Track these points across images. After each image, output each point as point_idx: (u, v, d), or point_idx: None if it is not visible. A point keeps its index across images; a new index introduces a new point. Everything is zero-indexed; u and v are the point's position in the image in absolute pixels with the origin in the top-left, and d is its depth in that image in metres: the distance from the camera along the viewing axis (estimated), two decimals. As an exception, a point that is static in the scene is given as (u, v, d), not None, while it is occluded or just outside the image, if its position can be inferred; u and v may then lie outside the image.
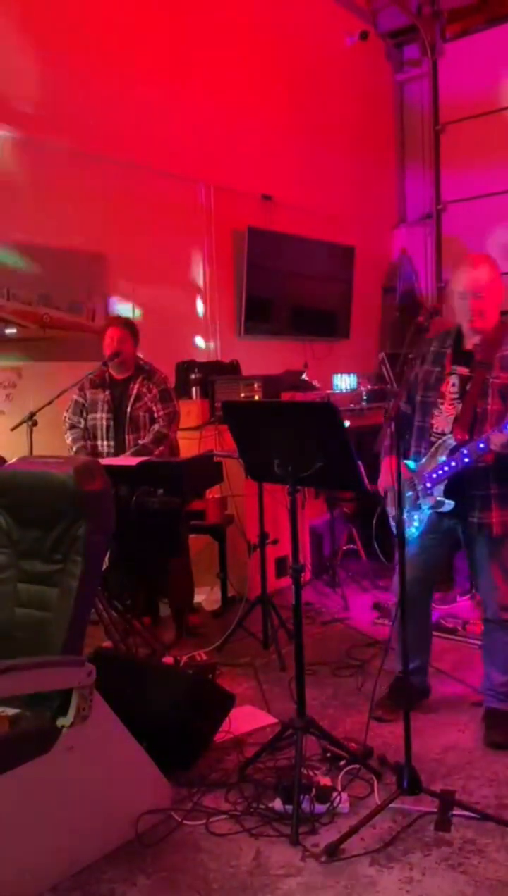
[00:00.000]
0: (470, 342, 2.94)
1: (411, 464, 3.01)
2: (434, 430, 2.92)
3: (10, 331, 4.59)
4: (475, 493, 2.86)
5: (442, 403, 2.92)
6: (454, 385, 2.91)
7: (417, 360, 3.08)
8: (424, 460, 2.94)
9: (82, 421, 4.27)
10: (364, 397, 6.35)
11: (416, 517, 2.98)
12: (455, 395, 2.90)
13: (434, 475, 2.87)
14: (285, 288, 6.62)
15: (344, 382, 6.52)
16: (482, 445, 2.74)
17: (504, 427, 2.69)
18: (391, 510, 3.11)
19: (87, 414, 4.26)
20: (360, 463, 2.73)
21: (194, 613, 4.45)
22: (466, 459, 2.77)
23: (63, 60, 4.85)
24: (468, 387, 2.86)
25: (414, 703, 3.12)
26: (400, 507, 2.54)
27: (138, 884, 2.25)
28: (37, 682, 2.20)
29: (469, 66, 7.47)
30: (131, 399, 4.20)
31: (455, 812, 2.45)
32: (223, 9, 5.99)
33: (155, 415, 4.21)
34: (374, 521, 3.19)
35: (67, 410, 4.29)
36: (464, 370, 2.90)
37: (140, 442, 4.15)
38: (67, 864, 2.27)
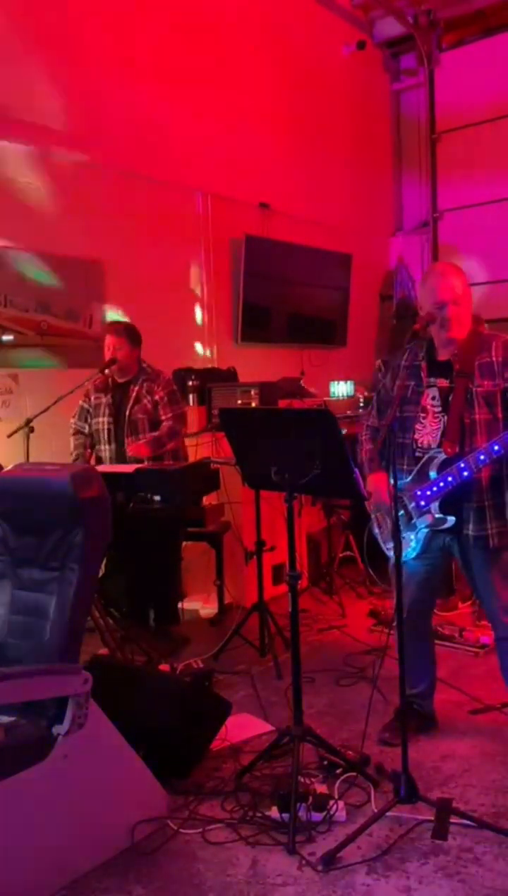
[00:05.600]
0: (445, 353, 2.85)
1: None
2: (419, 445, 2.84)
3: (8, 337, 4.60)
4: (469, 505, 2.78)
5: (425, 418, 2.83)
6: (434, 398, 2.83)
7: (387, 374, 3.02)
8: (410, 478, 2.85)
9: (87, 427, 4.31)
10: (361, 404, 6.36)
11: (412, 537, 2.89)
12: (438, 409, 2.81)
13: (429, 492, 2.79)
14: (283, 295, 6.64)
15: (341, 389, 6.53)
16: (482, 457, 2.66)
17: None
18: (377, 531, 3.06)
19: (91, 419, 4.28)
20: (357, 471, 2.73)
21: (177, 622, 4.37)
22: (465, 473, 2.70)
23: (63, 70, 4.86)
24: (450, 398, 2.78)
25: (421, 729, 3.09)
26: (397, 528, 2.50)
27: (134, 893, 2.23)
28: (32, 690, 2.20)
29: (465, 75, 7.52)
30: (130, 402, 4.22)
31: (452, 820, 2.44)
32: (221, 19, 6.01)
33: (161, 417, 4.22)
34: (364, 540, 3.12)
35: (74, 416, 4.33)
36: (444, 382, 2.82)
37: (153, 434, 4.15)
38: (63, 874, 2.26)
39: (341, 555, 5.38)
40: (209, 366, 5.90)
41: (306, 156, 6.88)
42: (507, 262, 7.23)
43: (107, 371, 4.25)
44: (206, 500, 4.43)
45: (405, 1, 7.34)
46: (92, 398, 4.30)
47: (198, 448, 4.90)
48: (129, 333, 4.27)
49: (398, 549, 2.52)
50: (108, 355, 4.21)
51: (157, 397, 4.23)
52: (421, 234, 7.99)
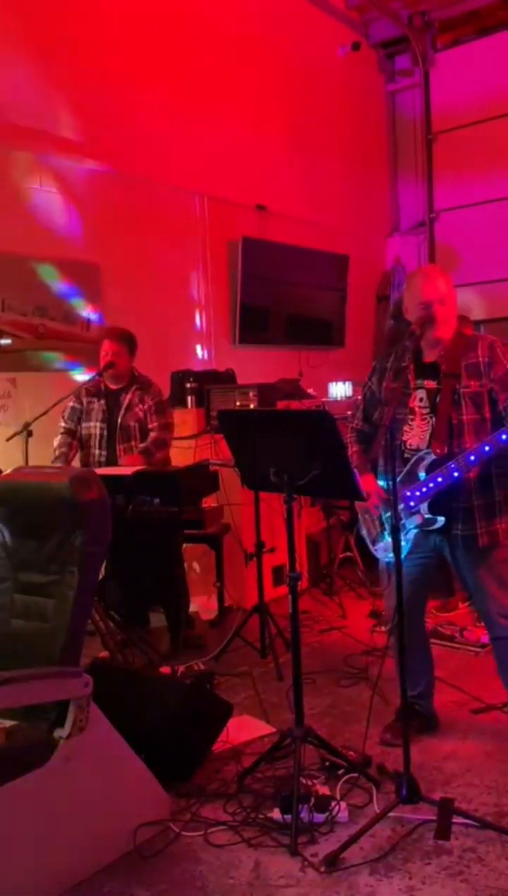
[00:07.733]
0: (431, 354, 2.87)
1: (383, 483, 2.94)
2: (408, 446, 2.85)
3: (5, 341, 4.60)
4: (457, 505, 2.80)
5: (413, 419, 2.85)
6: (422, 399, 2.85)
7: (373, 376, 3.05)
8: (399, 479, 2.84)
9: (78, 428, 4.28)
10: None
11: (402, 537, 2.86)
12: (426, 410, 2.83)
13: (418, 493, 2.80)
14: (280, 297, 6.64)
15: (339, 390, 6.53)
16: (473, 458, 2.68)
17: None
18: (365, 532, 3.10)
19: (83, 422, 4.27)
20: (355, 471, 2.73)
21: (191, 625, 4.43)
22: (456, 474, 2.72)
23: (60, 73, 4.87)
24: (437, 399, 2.80)
25: (422, 730, 3.08)
26: (395, 528, 2.50)
27: (137, 896, 2.24)
28: (34, 693, 2.19)
29: (460, 75, 7.53)
30: (123, 409, 4.22)
31: (454, 820, 2.44)
32: (218, 21, 6.02)
33: (149, 426, 4.22)
34: (352, 542, 3.14)
35: (63, 416, 4.30)
36: (431, 383, 2.84)
37: (140, 445, 4.16)
38: (65, 877, 2.26)
39: (341, 556, 5.38)
40: (207, 368, 5.90)
41: (302, 157, 6.89)
42: (504, 262, 7.24)
43: (103, 375, 4.24)
44: (205, 502, 4.43)
45: (399, 2, 7.35)
46: (84, 401, 4.27)
47: (197, 450, 4.89)
48: (128, 341, 4.26)
49: (397, 549, 2.52)
50: (105, 360, 4.20)
51: (146, 406, 4.24)
52: (418, 234, 7.99)
